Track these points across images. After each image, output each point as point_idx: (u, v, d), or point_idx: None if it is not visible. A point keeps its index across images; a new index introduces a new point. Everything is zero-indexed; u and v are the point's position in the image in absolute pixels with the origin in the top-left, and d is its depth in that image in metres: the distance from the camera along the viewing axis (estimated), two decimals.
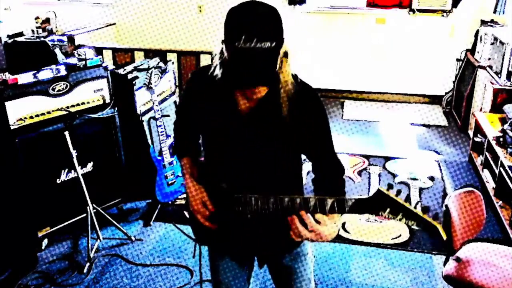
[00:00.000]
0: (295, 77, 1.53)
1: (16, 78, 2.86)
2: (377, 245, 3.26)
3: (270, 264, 1.86)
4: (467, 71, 5.27)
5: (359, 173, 4.27)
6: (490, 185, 3.74)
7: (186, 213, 1.84)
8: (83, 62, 3.24)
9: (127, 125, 3.50)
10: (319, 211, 1.45)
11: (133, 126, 3.53)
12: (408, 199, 1.40)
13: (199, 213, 1.68)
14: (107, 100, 3.34)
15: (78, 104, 3.17)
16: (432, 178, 4.12)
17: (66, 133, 2.97)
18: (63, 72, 3.10)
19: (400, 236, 3.35)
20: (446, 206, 2.27)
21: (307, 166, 1.70)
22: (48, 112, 3.02)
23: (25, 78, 2.92)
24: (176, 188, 3.64)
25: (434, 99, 6.11)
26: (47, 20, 5.80)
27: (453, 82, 5.65)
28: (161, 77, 3.66)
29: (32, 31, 5.65)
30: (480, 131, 4.21)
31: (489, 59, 4.66)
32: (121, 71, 3.54)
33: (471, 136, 4.49)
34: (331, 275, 2.97)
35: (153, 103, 3.48)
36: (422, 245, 3.24)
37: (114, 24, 6.33)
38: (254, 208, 1.54)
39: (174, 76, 3.90)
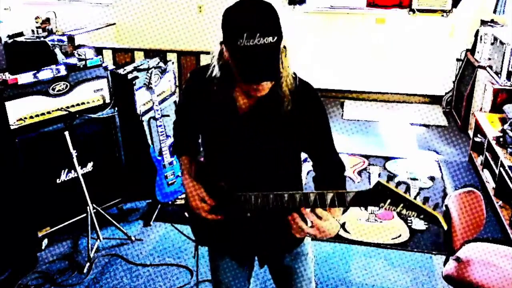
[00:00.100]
0: (294, 75, 1.53)
1: (16, 78, 2.87)
2: (377, 245, 3.26)
3: (270, 264, 1.86)
4: (467, 71, 5.27)
5: (359, 173, 4.27)
6: (490, 185, 3.74)
7: (186, 214, 1.85)
8: (83, 62, 3.24)
9: (127, 125, 3.50)
10: (320, 205, 1.45)
11: (133, 126, 3.53)
12: (408, 190, 1.39)
13: (199, 209, 1.68)
14: (107, 100, 3.34)
15: (78, 104, 3.17)
16: (432, 178, 4.12)
17: (66, 133, 2.97)
18: (63, 72, 3.10)
19: (400, 236, 3.35)
20: (446, 206, 2.27)
21: (307, 166, 1.70)
22: (48, 112, 3.02)
23: (25, 78, 2.92)
24: (176, 188, 3.64)
25: (434, 99, 6.11)
26: (47, 20, 5.80)
27: (453, 82, 5.65)
28: (161, 77, 3.66)
29: (32, 31, 5.66)
30: (480, 131, 4.21)
31: (489, 59, 4.66)
32: (121, 71, 3.54)
33: (471, 136, 4.49)
34: (331, 275, 2.97)
35: (153, 103, 3.48)
36: (422, 245, 3.24)
37: (114, 24, 6.33)
38: (254, 206, 1.54)
39: (174, 76, 3.90)
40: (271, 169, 1.60)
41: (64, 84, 3.08)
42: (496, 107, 4.16)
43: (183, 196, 3.53)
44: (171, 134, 1.97)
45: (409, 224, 3.47)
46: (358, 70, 6.20)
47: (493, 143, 3.65)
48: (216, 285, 1.86)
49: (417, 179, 4.08)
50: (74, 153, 3.01)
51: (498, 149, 3.53)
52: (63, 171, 3.17)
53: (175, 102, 3.89)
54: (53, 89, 3.03)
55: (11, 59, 4.54)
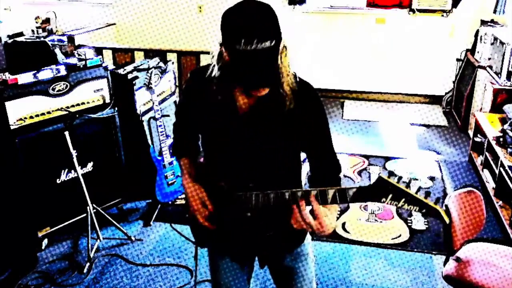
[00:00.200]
0: (294, 75, 1.53)
1: (16, 78, 2.86)
2: (377, 245, 3.26)
3: (271, 264, 1.86)
4: (467, 71, 5.27)
5: (359, 173, 4.27)
6: (490, 185, 3.74)
7: (187, 215, 1.84)
8: (83, 62, 3.24)
9: (127, 125, 3.50)
10: (321, 202, 1.45)
11: (133, 126, 3.53)
12: (409, 185, 1.40)
13: (198, 212, 1.68)
14: (107, 100, 3.34)
15: (78, 104, 3.17)
16: (432, 178, 4.12)
17: (66, 133, 2.97)
18: (63, 72, 3.10)
19: (400, 236, 3.35)
20: (446, 206, 2.27)
21: (307, 166, 1.71)
22: (48, 112, 3.02)
23: (25, 78, 2.92)
24: (176, 188, 3.65)
25: (434, 99, 6.11)
26: (47, 20, 5.80)
27: (453, 82, 5.65)
28: (161, 77, 3.66)
29: (32, 31, 5.65)
30: (480, 131, 4.21)
31: (489, 59, 4.66)
32: (121, 71, 3.54)
33: (471, 136, 4.49)
34: (331, 275, 2.97)
35: (153, 103, 3.48)
36: (422, 245, 3.24)
37: (114, 24, 6.33)
38: (255, 205, 1.54)
39: (174, 76, 3.90)
40: (271, 169, 1.60)
41: (64, 84, 3.08)
42: (496, 107, 4.16)
43: (183, 196, 3.53)
44: (171, 134, 1.97)
45: (409, 224, 3.47)
46: (358, 70, 6.20)
47: (493, 143, 3.65)
48: (216, 286, 1.86)
49: (417, 179, 4.08)
50: (74, 153, 3.01)
51: (498, 149, 3.53)
52: (63, 171, 3.17)
53: (175, 102, 3.89)
54: (53, 89, 3.03)
55: (11, 59, 4.54)
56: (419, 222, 3.50)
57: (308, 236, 1.83)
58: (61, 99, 3.07)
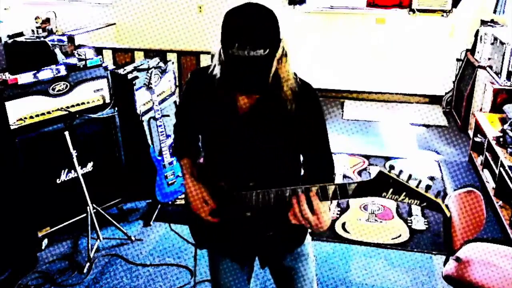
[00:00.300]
0: (295, 76, 1.53)
1: (16, 78, 2.86)
2: (377, 245, 3.26)
3: (271, 265, 1.86)
4: (467, 71, 5.27)
5: (359, 173, 4.27)
6: (490, 185, 3.74)
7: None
8: (83, 62, 3.24)
9: (127, 125, 3.50)
10: (322, 198, 1.45)
11: (133, 126, 3.52)
12: (410, 178, 1.40)
13: (200, 210, 1.68)
14: (107, 100, 3.34)
15: (78, 104, 3.17)
16: (432, 178, 4.12)
17: (66, 133, 2.97)
18: (63, 72, 3.10)
19: (400, 236, 3.35)
20: (446, 206, 2.26)
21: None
22: (48, 112, 3.02)
23: (25, 78, 2.92)
24: (176, 188, 3.65)
25: (434, 99, 6.11)
26: (47, 20, 5.80)
27: (453, 82, 5.65)
28: (161, 77, 3.66)
29: (32, 31, 5.66)
30: (480, 131, 4.21)
31: (489, 59, 4.66)
32: (121, 71, 3.54)
33: (471, 136, 4.49)
34: (331, 275, 2.97)
35: (153, 103, 3.48)
36: (422, 245, 3.24)
37: (114, 24, 6.33)
38: (255, 204, 1.54)
39: (174, 76, 3.90)
40: (271, 168, 1.61)
41: (64, 84, 3.08)
42: (496, 107, 4.16)
43: (183, 196, 3.54)
44: (171, 134, 1.97)
45: (409, 224, 3.47)
46: (358, 70, 6.20)
47: (493, 143, 3.65)
48: (216, 286, 1.85)
49: (417, 179, 4.07)
50: (74, 153, 3.01)
51: (498, 149, 3.53)
52: (63, 171, 3.17)
53: (175, 102, 3.89)
54: (53, 89, 3.03)
55: (11, 59, 4.54)
56: (419, 222, 3.50)
57: (308, 236, 1.83)
58: (61, 99, 3.07)
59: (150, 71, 3.47)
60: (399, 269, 3.03)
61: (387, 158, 4.56)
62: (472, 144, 4.43)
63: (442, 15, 5.78)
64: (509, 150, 3.44)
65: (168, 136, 3.54)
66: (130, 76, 3.46)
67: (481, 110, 4.49)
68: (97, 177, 3.33)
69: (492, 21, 5.22)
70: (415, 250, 3.20)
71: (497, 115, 4.08)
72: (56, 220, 3.20)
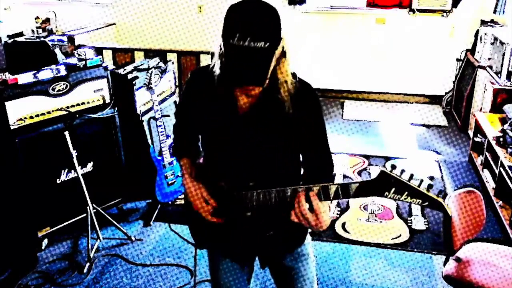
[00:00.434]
0: (293, 75, 1.54)
1: (16, 78, 2.86)
2: (377, 245, 3.26)
3: (271, 265, 1.86)
4: (467, 71, 5.27)
5: (359, 173, 4.27)
6: (490, 185, 3.74)
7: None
8: (83, 62, 3.24)
9: (127, 125, 3.50)
10: (323, 198, 1.46)
11: (133, 126, 3.53)
12: (411, 178, 1.41)
13: (202, 210, 1.67)
14: (107, 100, 3.34)
15: (78, 104, 3.17)
16: (432, 178, 4.09)
17: (66, 133, 2.97)
18: (63, 72, 3.10)
19: (400, 236, 3.35)
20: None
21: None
22: (48, 112, 3.02)
23: (25, 78, 2.92)
24: (176, 188, 3.65)
25: (434, 99, 6.11)
26: (47, 20, 5.80)
27: (453, 82, 5.65)
28: (161, 77, 3.66)
29: (32, 31, 5.66)
30: (480, 131, 4.21)
31: (489, 59, 4.66)
32: (121, 71, 3.54)
33: (471, 136, 4.49)
34: (331, 275, 2.97)
35: (153, 103, 3.48)
36: (422, 245, 3.24)
37: (114, 24, 6.33)
38: (256, 204, 1.54)
39: (174, 76, 3.90)
40: (271, 168, 1.61)
41: (64, 84, 3.08)
42: (496, 107, 4.16)
43: (183, 196, 3.54)
44: (171, 134, 1.97)
45: (409, 224, 3.47)
46: (358, 70, 6.20)
47: (493, 143, 3.65)
48: (216, 286, 1.85)
49: (418, 179, 4.07)
50: (74, 153, 3.01)
51: (498, 149, 3.53)
52: (63, 171, 3.17)
53: (175, 102, 3.89)
54: (53, 89, 3.03)
55: (11, 59, 4.55)
56: (419, 222, 3.50)
57: (309, 236, 1.83)
58: (61, 99, 3.07)
59: (150, 71, 3.47)
60: (399, 269, 3.03)
61: (387, 158, 4.56)
62: (472, 144, 4.43)
63: (442, 15, 5.78)
64: (509, 150, 3.44)
65: (168, 136, 3.54)
66: (130, 76, 3.46)
67: (481, 110, 4.49)
68: (97, 177, 3.33)
69: (492, 21, 5.22)
70: (415, 250, 3.20)
71: (497, 115, 4.08)
72: (56, 220, 3.20)
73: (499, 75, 4.28)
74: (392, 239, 3.32)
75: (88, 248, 3.08)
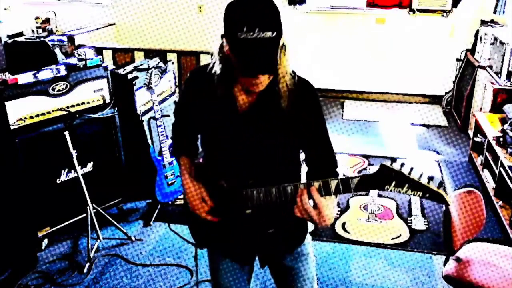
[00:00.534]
0: (293, 72, 1.54)
1: (16, 78, 2.86)
2: (377, 245, 3.26)
3: (271, 264, 1.86)
4: (467, 71, 5.27)
5: (359, 173, 4.27)
6: (490, 185, 3.74)
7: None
8: (83, 62, 3.24)
9: (127, 125, 3.50)
10: (324, 193, 1.46)
11: (133, 126, 3.53)
12: (411, 171, 1.41)
13: (199, 209, 1.68)
14: (107, 100, 3.34)
15: (78, 104, 3.17)
16: (432, 178, 4.11)
17: (66, 133, 2.97)
18: (63, 72, 3.10)
19: (400, 236, 3.35)
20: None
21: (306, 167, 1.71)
22: (48, 112, 3.02)
23: (25, 78, 2.92)
24: (176, 188, 3.65)
25: (434, 99, 6.11)
26: (47, 20, 5.81)
27: (453, 82, 5.65)
28: (161, 77, 3.67)
29: (32, 31, 5.66)
30: (480, 131, 4.21)
31: (489, 59, 4.66)
32: (121, 71, 3.54)
33: (471, 136, 4.49)
34: (331, 275, 2.97)
35: (153, 103, 3.48)
36: (422, 245, 3.24)
37: (114, 24, 6.33)
38: (256, 202, 1.54)
39: (174, 76, 3.90)
40: (271, 166, 1.61)
41: (64, 84, 3.08)
42: (496, 107, 4.16)
43: (183, 196, 3.54)
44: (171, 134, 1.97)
45: (409, 224, 3.47)
46: (358, 70, 6.20)
47: (493, 143, 3.65)
48: (216, 286, 1.85)
49: (418, 172, 4.07)
50: (74, 153, 3.01)
51: (498, 149, 3.53)
52: (63, 171, 3.17)
53: (175, 102, 3.90)
54: (53, 89, 3.03)
55: (11, 59, 4.55)
56: (419, 222, 3.50)
57: (309, 236, 1.83)
58: (61, 99, 3.07)
59: (150, 71, 3.47)
60: (399, 269, 3.03)
61: (387, 158, 4.56)
62: (472, 144, 4.43)
63: (442, 15, 5.78)
64: (509, 150, 3.44)
65: (168, 136, 3.54)
66: (130, 76, 3.46)
67: (481, 110, 4.49)
68: (97, 177, 3.33)
69: (492, 21, 5.22)
70: (415, 250, 3.20)
71: (497, 115, 4.08)
72: (56, 220, 3.20)
73: (499, 75, 4.28)
74: (392, 239, 3.32)
75: (88, 248, 3.08)
